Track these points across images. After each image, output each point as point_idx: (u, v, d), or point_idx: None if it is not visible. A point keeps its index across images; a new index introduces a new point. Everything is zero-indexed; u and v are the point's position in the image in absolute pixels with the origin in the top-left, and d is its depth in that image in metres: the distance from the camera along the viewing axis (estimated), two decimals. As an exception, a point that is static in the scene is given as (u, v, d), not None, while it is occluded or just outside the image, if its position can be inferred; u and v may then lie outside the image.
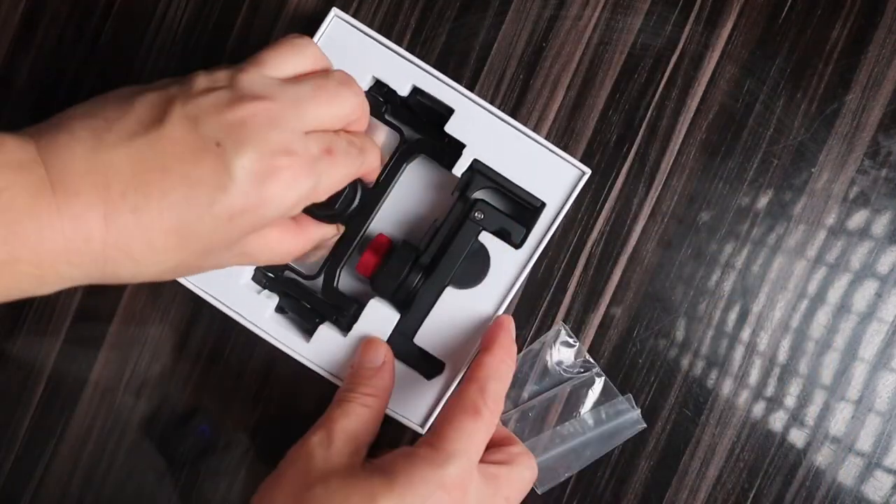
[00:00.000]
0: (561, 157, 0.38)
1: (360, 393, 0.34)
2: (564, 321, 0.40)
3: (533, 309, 0.40)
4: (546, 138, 0.39)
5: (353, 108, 0.31)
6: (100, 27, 0.41)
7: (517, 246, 0.38)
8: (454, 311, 0.38)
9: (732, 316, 0.40)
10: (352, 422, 0.32)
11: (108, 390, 0.41)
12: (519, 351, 0.40)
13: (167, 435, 0.41)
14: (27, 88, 0.41)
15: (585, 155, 0.40)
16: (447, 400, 0.37)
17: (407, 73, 0.38)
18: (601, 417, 0.40)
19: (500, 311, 0.38)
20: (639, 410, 0.40)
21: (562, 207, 0.38)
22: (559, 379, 0.40)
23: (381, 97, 0.39)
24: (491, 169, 0.37)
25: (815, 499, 0.40)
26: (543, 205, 0.38)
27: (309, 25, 0.40)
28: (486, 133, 0.38)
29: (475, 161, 0.37)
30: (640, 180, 0.40)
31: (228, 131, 0.26)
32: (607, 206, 0.40)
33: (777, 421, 0.40)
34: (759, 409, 0.40)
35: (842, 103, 0.40)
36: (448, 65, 0.40)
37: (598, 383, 0.40)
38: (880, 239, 0.40)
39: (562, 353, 0.40)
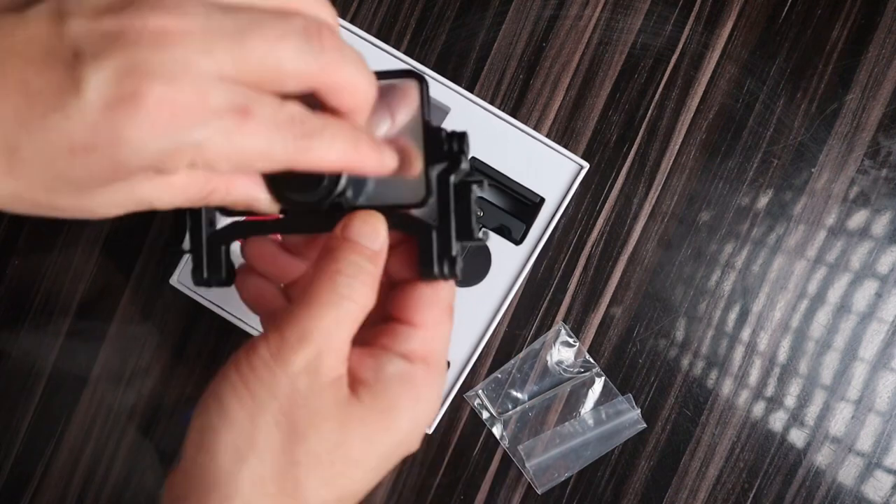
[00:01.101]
0: (558, 151, 0.38)
1: (361, 282, 0.23)
2: (564, 321, 0.40)
3: (533, 309, 0.40)
4: (546, 138, 0.39)
5: (310, 68, 0.20)
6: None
7: (517, 242, 0.38)
8: (456, 309, 0.38)
9: (732, 316, 0.40)
10: (345, 331, 0.23)
11: (108, 390, 0.41)
12: (519, 351, 0.40)
13: (167, 434, 0.41)
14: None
15: (585, 155, 0.40)
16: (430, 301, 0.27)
17: None
18: (601, 417, 0.40)
19: (503, 309, 0.38)
20: (639, 410, 0.40)
21: (561, 202, 0.38)
22: (559, 379, 0.40)
23: None
24: (488, 166, 0.38)
25: (814, 499, 0.40)
26: (542, 200, 0.38)
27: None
28: (483, 131, 0.38)
29: (472, 159, 0.37)
30: (640, 180, 0.40)
31: (98, 39, 0.19)
32: (607, 205, 0.40)
33: (777, 421, 0.40)
34: (759, 409, 0.40)
35: (842, 103, 0.40)
36: (448, 65, 0.40)
37: (598, 383, 0.40)
38: (880, 239, 0.40)
39: (562, 352, 0.40)
